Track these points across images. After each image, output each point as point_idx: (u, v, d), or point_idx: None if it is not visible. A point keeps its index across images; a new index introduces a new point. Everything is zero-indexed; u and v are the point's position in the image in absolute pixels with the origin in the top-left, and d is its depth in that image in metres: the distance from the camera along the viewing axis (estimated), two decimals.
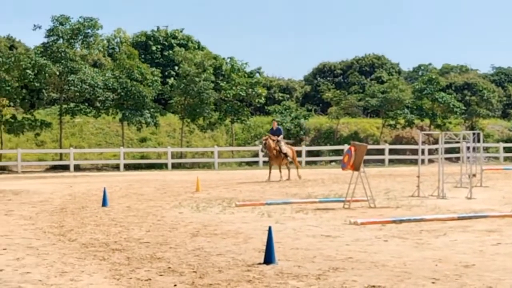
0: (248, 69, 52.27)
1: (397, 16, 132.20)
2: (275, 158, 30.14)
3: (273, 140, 30.09)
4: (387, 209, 18.53)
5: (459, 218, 16.19)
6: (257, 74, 55.40)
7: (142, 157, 46.57)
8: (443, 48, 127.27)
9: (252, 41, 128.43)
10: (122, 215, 17.27)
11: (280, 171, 30.52)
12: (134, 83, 44.57)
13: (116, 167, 43.72)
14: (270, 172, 30.32)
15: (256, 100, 49.69)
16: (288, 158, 30.67)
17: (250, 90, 48.51)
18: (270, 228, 10.74)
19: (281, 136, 30.89)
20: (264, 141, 30.38)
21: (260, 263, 10.55)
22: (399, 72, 74.19)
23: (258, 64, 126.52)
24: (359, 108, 56.22)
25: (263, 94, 49.91)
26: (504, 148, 50.61)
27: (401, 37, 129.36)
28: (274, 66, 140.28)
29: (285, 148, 30.55)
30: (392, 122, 51.72)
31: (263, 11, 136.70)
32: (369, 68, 71.67)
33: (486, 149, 48.23)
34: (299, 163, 33.77)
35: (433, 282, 9.33)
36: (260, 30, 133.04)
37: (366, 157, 21.66)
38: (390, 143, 51.04)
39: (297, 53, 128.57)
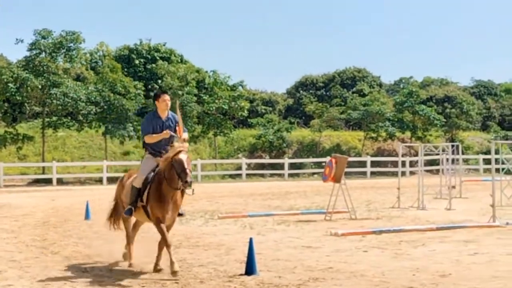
0: (231, 82, 52.43)
1: (378, 29, 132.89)
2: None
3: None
4: (368, 221, 18.74)
5: (438, 229, 16.45)
6: (240, 87, 55.60)
7: (125, 171, 46.35)
8: (424, 61, 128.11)
9: (235, 55, 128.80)
10: (105, 228, 17.32)
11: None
12: (117, 96, 44.63)
13: (99, 181, 43.68)
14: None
15: (239, 113, 49.84)
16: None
17: (233, 103, 48.66)
18: (251, 239, 10.90)
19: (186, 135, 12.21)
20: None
21: (241, 274, 10.70)
22: (380, 85, 74.70)
23: (240, 77, 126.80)
24: (341, 120, 56.50)
25: (246, 107, 50.05)
26: (484, 160, 50.65)
27: (382, 50, 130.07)
28: (257, 79, 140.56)
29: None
30: (374, 135, 52.04)
31: (245, 25, 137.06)
32: (351, 81, 72.07)
33: (466, 161, 48.69)
34: None
35: None
36: (242, 43, 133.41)
37: (348, 169, 21.91)
38: (372, 156, 51.29)
39: (279, 66, 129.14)
